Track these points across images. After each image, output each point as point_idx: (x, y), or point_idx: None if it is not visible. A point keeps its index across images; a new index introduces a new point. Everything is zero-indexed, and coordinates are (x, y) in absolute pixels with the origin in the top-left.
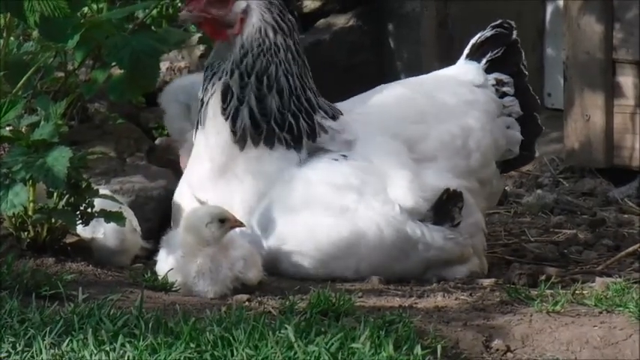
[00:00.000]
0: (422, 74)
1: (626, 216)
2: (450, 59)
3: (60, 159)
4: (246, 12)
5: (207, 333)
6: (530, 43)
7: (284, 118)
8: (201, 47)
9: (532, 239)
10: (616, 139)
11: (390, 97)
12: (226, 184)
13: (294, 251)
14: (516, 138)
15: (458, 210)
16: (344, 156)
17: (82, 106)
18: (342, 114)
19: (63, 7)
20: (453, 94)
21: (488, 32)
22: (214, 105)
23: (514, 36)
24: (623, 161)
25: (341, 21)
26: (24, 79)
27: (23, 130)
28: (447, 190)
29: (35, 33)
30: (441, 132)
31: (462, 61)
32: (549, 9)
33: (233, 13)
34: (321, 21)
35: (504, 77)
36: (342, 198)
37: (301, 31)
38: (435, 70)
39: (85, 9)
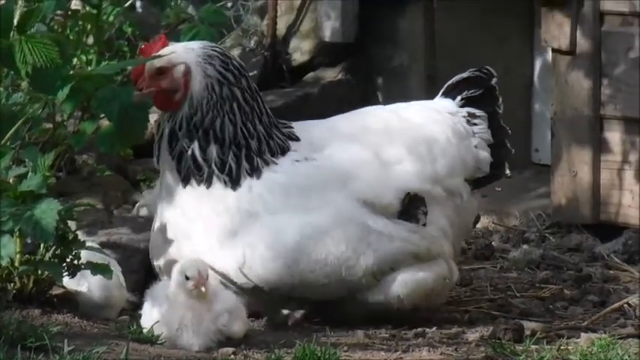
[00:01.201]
0: None
1: (612, 272)
2: None
3: (48, 211)
4: (188, 72)
5: None
6: (517, 98)
7: (224, 163)
8: None
9: (518, 294)
10: (603, 195)
11: (356, 114)
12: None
13: (263, 256)
14: (485, 158)
15: (422, 213)
16: (306, 158)
17: (69, 158)
18: (297, 139)
19: (55, 58)
20: (420, 115)
21: (465, 74)
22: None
23: (493, 82)
24: (609, 217)
25: (329, 74)
26: (12, 130)
27: (11, 181)
28: (409, 193)
29: (24, 84)
30: (407, 137)
31: (436, 98)
32: (538, 64)
33: (176, 78)
34: (310, 74)
35: (477, 111)
36: (303, 198)
37: (290, 85)
38: None
39: (75, 60)
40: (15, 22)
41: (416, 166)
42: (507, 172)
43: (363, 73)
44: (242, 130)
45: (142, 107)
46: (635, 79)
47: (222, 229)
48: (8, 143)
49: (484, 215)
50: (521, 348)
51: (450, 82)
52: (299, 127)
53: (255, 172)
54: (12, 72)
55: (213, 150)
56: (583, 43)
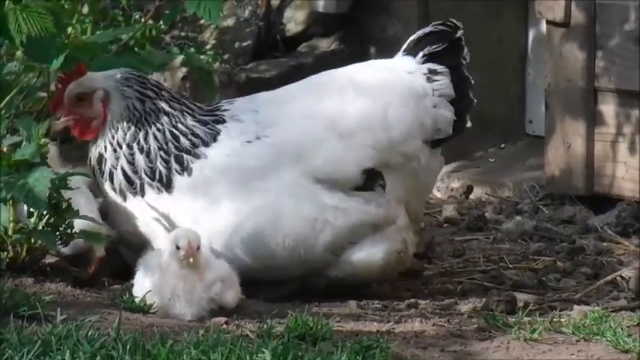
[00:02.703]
0: None
1: (605, 244)
2: None
3: (41, 179)
4: (107, 97)
5: (185, 356)
6: (512, 70)
7: (153, 170)
8: (184, 69)
9: (511, 266)
10: (596, 167)
11: (309, 82)
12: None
13: (221, 249)
14: (446, 118)
15: (380, 186)
16: (257, 137)
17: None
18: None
19: (49, 27)
20: (375, 78)
21: (428, 29)
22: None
23: (458, 34)
24: (603, 189)
25: (323, 44)
26: (7, 99)
27: (5, 150)
28: (366, 170)
29: (19, 53)
30: (360, 107)
31: (397, 56)
32: (531, 35)
33: (95, 104)
34: (304, 44)
35: (438, 67)
36: (255, 180)
37: (284, 54)
38: None
39: (70, 29)
40: None
41: (370, 137)
42: (469, 124)
43: (357, 43)
44: (171, 131)
45: None
46: (629, 51)
47: (165, 232)
48: (3, 112)
49: (477, 186)
50: (513, 320)
51: (411, 37)
52: (250, 100)
53: (186, 170)
54: (6, 41)
55: (140, 161)
56: (577, 15)
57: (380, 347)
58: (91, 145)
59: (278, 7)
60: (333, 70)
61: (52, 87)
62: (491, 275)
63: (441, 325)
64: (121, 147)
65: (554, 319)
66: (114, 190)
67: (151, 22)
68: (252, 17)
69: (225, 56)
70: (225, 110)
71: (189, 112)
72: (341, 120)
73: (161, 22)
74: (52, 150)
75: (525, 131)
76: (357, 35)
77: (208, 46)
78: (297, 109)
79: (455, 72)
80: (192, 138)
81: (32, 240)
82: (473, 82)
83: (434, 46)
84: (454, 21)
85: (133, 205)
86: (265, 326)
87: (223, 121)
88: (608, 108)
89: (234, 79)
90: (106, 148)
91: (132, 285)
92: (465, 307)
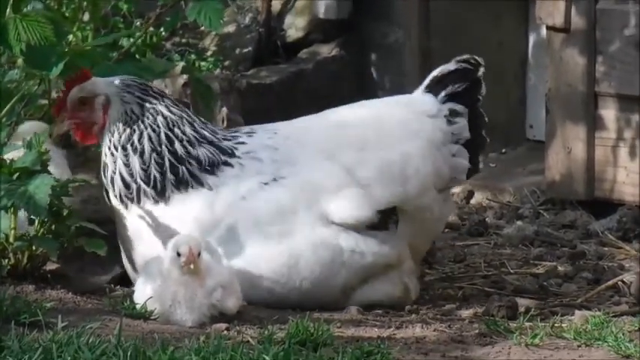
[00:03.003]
0: None
1: (606, 249)
2: None
3: (42, 187)
4: (108, 101)
5: None
6: (512, 75)
7: (148, 174)
8: (184, 77)
9: (512, 271)
10: (597, 172)
11: (333, 120)
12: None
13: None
14: (462, 166)
15: (393, 222)
16: (275, 179)
17: (65, 134)
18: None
19: (49, 35)
20: (399, 122)
21: (452, 66)
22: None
23: (479, 73)
24: (604, 194)
25: (324, 50)
26: (8, 106)
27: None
28: (381, 210)
29: (20, 61)
30: (380, 158)
31: (419, 92)
32: (532, 40)
33: (96, 109)
34: (304, 50)
35: (459, 107)
36: (273, 225)
37: (285, 61)
38: None
39: (70, 37)
40: (10, 0)
41: (387, 190)
42: (480, 167)
43: (357, 49)
44: (166, 134)
45: None
46: (629, 56)
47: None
48: (4, 120)
49: (478, 191)
50: (514, 325)
51: (434, 74)
52: (270, 135)
53: (183, 188)
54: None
55: (135, 163)
56: (577, 21)
57: (381, 353)
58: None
59: (278, 14)
60: (355, 105)
61: (53, 94)
62: (492, 280)
63: (442, 331)
64: (117, 149)
65: (556, 324)
66: (116, 197)
67: (151, 29)
68: (252, 24)
69: (226, 63)
70: (242, 143)
71: (189, 121)
72: (359, 168)
73: (162, 29)
74: (59, 154)
75: (526, 136)
76: (357, 41)
77: (209, 53)
78: (315, 150)
79: (471, 110)
80: (188, 147)
81: (33, 247)
82: (487, 119)
83: (456, 86)
84: (477, 58)
85: (133, 215)
86: (266, 332)
87: (238, 156)
88: (609, 113)
89: (235, 86)
90: (106, 154)
91: (133, 292)
92: (466, 312)
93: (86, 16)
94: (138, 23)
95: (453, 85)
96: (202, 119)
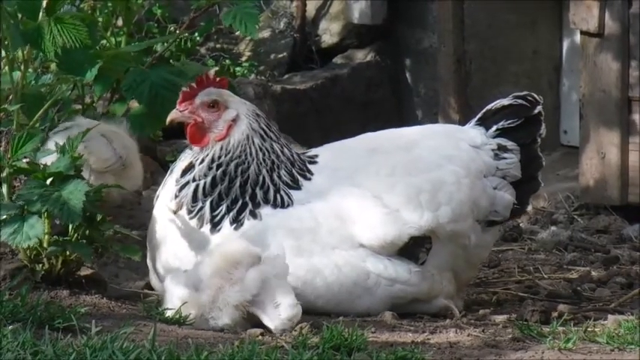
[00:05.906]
0: (438, 109)
1: (639, 254)
2: (466, 95)
3: (76, 192)
4: (235, 120)
5: None
6: (546, 81)
7: (220, 205)
8: None
9: (545, 276)
10: (631, 177)
11: (365, 151)
12: None
13: None
14: (505, 201)
15: (424, 251)
16: (308, 202)
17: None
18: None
19: (84, 38)
20: (433, 149)
21: (506, 101)
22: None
23: (536, 110)
24: (637, 199)
25: (359, 56)
26: (41, 111)
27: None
28: (411, 237)
29: (53, 65)
30: (408, 185)
31: (470, 124)
32: (566, 46)
33: (222, 119)
34: (339, 56)
35: (509, 144)
36: (297, 240)
37: (319, 66)
38: (450, 105)
39: (104, 42)
40: (44, 3)
41: (414, 215)
42: (529, 208)
43: (392, 54)
44: (264, 177)
45: (172, 88)
46: None
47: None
48: (37, 125)
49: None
50: (548, 329)
51: (489, 107)
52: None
53: (238, 221)
54: (41, 53)
55: (219, 188)
56: (611, 25)
57: (415, 358)
58: (189, 150)
59: (313, 19)
60: (397, 132)
61: (87, 99)
62: (525, 285)
63: (475, 336)
64: (217, 168)
65: (589, 329)
66: (175, 196)
67: (186, 34)
68: (287, 29)
69: (261, 68)
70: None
71: (287, 167)
72: (389, 193)
73: (196, 34)
74: (134, 144)
75: (560, 141)
76: (392, 47)
77: (244, 58)
78: (345, 175)
79: (525, 149)
80: (269, 192)
81: (67, 252)
82: (544, 162)
83: (509, 121)
84: (535, 96)
85: (174, 223)
86: (300, 337)
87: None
88: None
89: (269, 91)
90: (202, 161)
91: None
92: (500, 317)
93: (119, 21)
94: (172, 28)
95: (506, 120)
96: (299, 164)
